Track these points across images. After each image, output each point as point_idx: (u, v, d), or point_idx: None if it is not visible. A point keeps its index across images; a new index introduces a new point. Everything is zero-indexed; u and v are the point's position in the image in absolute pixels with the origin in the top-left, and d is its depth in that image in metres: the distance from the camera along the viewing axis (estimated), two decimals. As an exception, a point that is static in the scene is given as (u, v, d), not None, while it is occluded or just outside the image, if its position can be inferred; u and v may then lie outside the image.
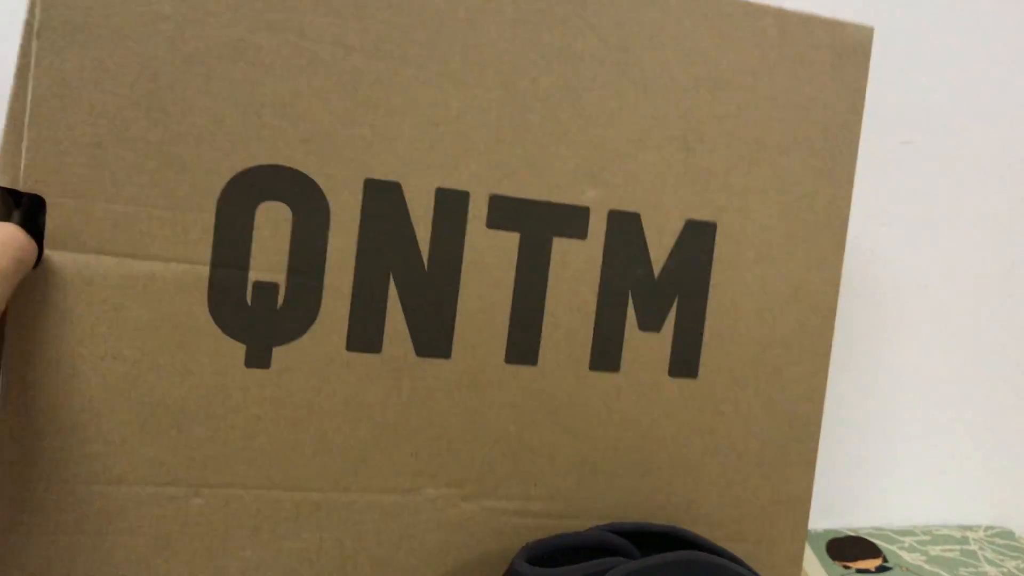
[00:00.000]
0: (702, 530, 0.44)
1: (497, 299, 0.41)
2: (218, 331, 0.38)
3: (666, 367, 0.43)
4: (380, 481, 0.40)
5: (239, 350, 0.38)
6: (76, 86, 0.35)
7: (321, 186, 0.38)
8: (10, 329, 0.35)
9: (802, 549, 0.46)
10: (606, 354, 0.42)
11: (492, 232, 0.40)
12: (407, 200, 0.39)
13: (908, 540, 0.63)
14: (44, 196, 0.35)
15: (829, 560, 0.59)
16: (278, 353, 0.38)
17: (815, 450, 0.46)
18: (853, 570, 0.58)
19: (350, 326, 0.39)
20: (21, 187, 0.35)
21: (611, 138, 0.41)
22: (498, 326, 0.41)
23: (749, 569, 0.38)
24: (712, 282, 0.43)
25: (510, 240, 0.40)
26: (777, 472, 0.45)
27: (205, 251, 0.37)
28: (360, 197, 0.39)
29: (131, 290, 0.37)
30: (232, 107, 0.37)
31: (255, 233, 0.38)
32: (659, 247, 0.42)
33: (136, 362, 0.37)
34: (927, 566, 0.59)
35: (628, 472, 0.43)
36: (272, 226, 0.38)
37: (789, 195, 0.44)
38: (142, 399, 0.37)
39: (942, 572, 0.58)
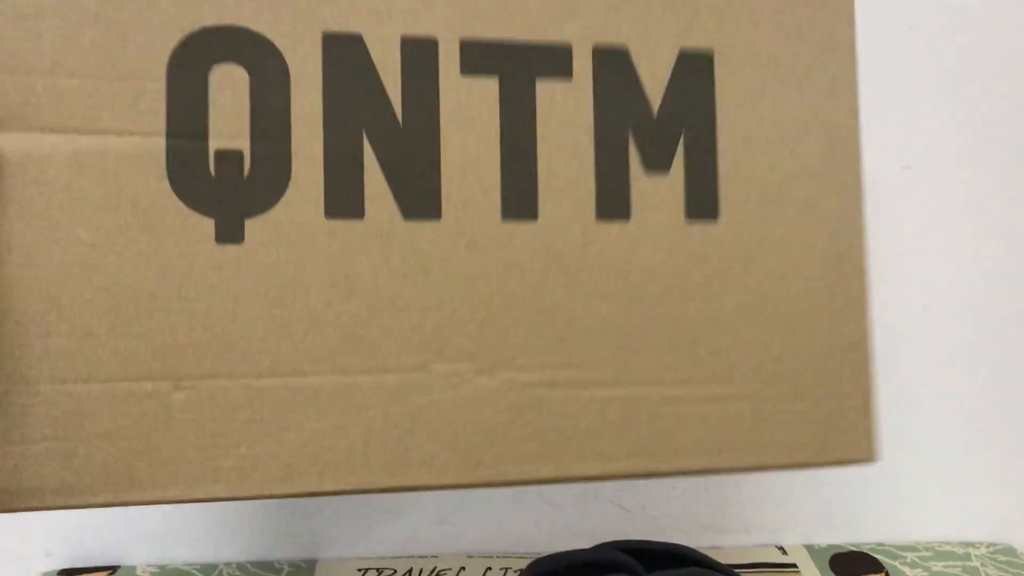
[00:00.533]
0: (753, 389, 0.39)
1: (483, 151, 0.37)
2: (182, 206, 0.34)
3: (682, 211, 0.39)
4: (381, 359, 0.36)
5: (207, 225, 0.35)
6: (3, -44, 0.33)
7: (277, 45, 0.36)
8: (-46, 219, 0.33)
9: (870, 401, 0.41)
10: (613, 201, 0.38)
11: (468, 79, 0.37)
12: (371, 53, 0.36)
13: (910, 556, 0.62)
14: (-22, 73, 0.33)
15: (831, 574, 0.59)
16: (251, 226, 0.35)
17: (865, 291, 0.41)
18: None
19: (326, 191, 0.36)
20: (-47, 65, 0.33)
21: None
22: (488, 180, 0.37)
23: None
24: (719, 116, 0.40)
25: (488, 85, 0.37)
26: (827, 316, 0.40)
27: (159, 121, 0.34)
28: (319, 53, 0.36)
29: (83, 168, 0.34)
30: None
31: (211, 99, 0.35)
32: (654, 82, 0.39)
33: (95, 245, 0.34)
34: None
35: (657, 330, 0.38)
36: (229, 90, 0.35)
37: (788, 18, 0.40)
38: (106, 285, 0.34)
39: None
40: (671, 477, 0.39)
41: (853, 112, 0.41)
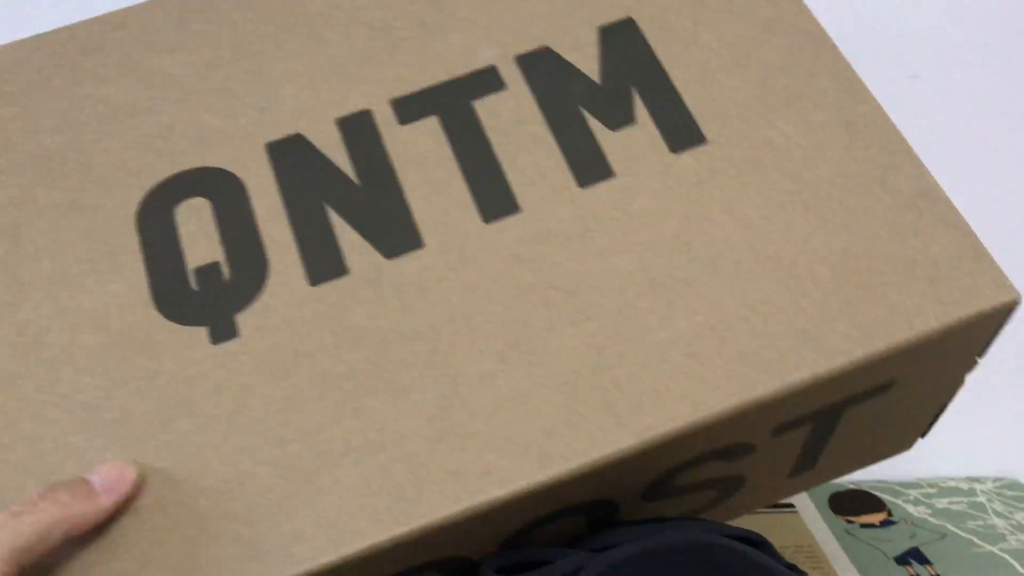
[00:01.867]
0: (830, 276, 0.33)
1: (444, 174, 0.37)
2: (172, 324, 0.35)
3: (665, 148, 0.37)
4: (405, 389, 0.33)
5: (200, 333, 0.34)
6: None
7: (229, 169, 0.38)
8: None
9: (973, 239, 0.34)
10: (589, 166, 0.36)
11: (409, 126, 0.38)
12: (314, 143, 0.38)
13: (913, 493, 0.59)
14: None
15: (832, 515, 0.56)
16: (242, 319, 0.34)
17: (907, 145, 0.36)
18: (857, 524, 0.55)
19: (305, 263, 0.35)
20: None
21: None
22: (459, 196, 0.36)
23: (769, 549, 0.33)
24: (663, 61, 0.39)
25: (430, 124, 0.38)
26: (874, 181, 0.35)
27: (138, 267, 0.36)
28: (267, 159, 0.38)
29: (78, 326, 0.35)
30: (104, 149, 0.38)
31: (181, 231, 0.36)
32: (587, 60, 0.39)
33: (99, 386, 0.33)
34: (933, 519, 0.56)
35: (694, 260, 0.34)
36: (194, 219, 0.37)
37: None
38: (117, 419, 0.33)
39: (948, 525, 0.55)
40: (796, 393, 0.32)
41: (800, 8, 0.39)
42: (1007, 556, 0.52)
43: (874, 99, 0.37)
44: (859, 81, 0.37)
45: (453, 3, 0.40)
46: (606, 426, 0.31)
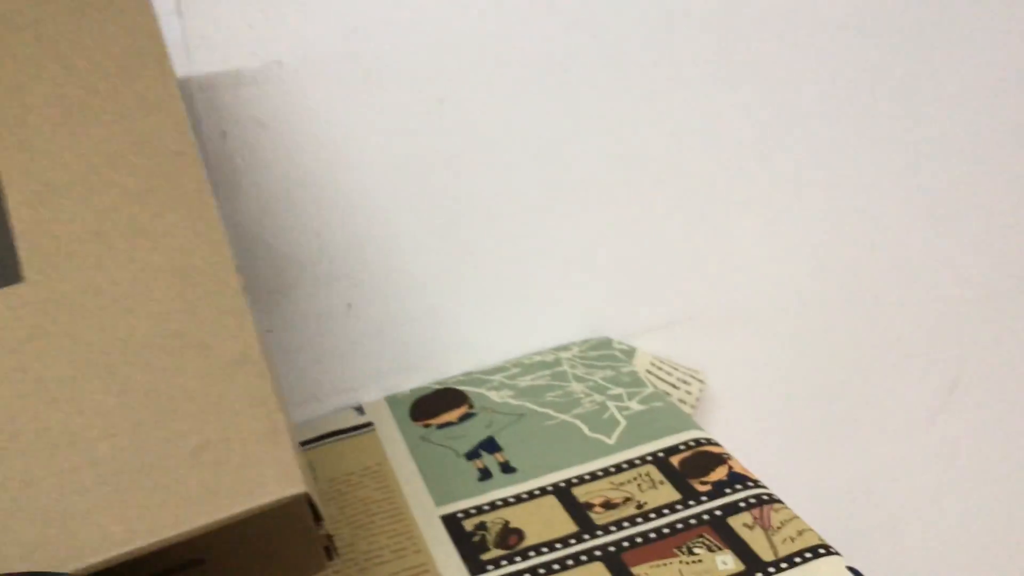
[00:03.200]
0: (146, 460, 0.31)
1: None
2: None
3: (-22, 284, 0.33)
4: None
5: None
6: None
7: None
8: None
9: (280, 418, 0.33)
10: None
11: None
12: None
13: (497, 378, 0.56)
14: None
15: (410, 423, 0.52)
16: None
17: (241, 300, 0.34)
18: (435, 427, 0.52)
19: None
20: None
21: None
22: None
23: None
24: (3, 172, 0.34)
25: None
26: (197, 340, 0.33)
27: None
28: None
29: None
30: None
31: None
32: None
33: None
34: (514, 400, 0.53)
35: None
36: None
37: (78, 57, 0.36)
38: None
39: (528, 403, 0.52)
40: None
41: (180, 125, 0.36)
42: (577, 421, 0.50)
43: (224, 241, 0.35)
44: (214, 219, 0.35)
45: None
46: None
